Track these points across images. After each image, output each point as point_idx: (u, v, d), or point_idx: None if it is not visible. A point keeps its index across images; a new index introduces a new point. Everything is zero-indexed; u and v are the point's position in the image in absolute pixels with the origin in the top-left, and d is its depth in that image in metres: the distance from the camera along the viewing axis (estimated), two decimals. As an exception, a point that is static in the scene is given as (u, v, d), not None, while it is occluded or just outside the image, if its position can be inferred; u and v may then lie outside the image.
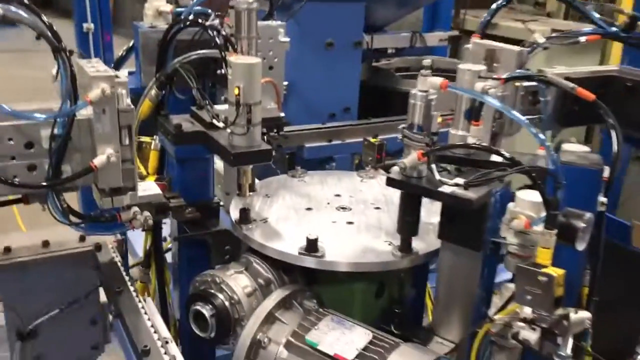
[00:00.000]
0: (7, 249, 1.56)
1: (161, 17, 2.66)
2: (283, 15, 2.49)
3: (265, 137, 1.85)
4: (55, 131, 1.40)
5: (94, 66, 1.47)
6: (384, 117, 2.87)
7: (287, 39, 2.15)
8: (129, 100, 1.45)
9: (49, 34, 1.39)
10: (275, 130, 2.08)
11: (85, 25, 3.44)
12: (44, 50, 1.47)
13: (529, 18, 6.10)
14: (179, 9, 2.59)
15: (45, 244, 1.59)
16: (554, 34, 2.12)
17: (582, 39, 2.12)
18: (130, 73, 2.83)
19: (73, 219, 1.49)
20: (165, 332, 1.44)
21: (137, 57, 2.63)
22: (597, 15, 2.16)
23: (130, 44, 2.92)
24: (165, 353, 1.36)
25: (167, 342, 1.40)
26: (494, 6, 2.18)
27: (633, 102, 2.20)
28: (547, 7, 7.37)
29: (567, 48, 2.60)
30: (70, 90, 1.40)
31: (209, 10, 2.18)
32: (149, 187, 1.63)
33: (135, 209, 1.54)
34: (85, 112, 1.44)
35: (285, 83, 2.21)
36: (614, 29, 2.12)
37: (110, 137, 1.43)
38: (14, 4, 1.38)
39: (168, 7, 2.64)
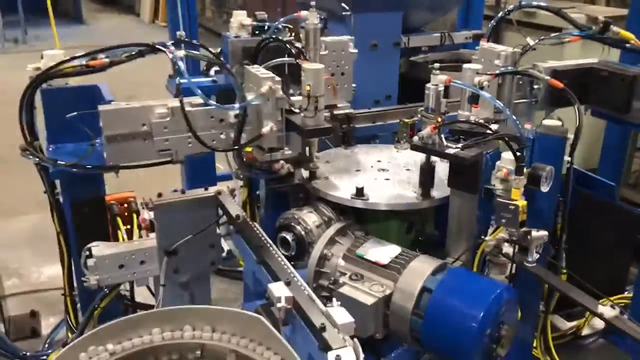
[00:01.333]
0: (159, 195, 2.39)
1: (243, 28, 3.43)
2: (338, 26, 3.22)
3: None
4: (238, 112, 2.23)
5: (258, 70, 2.30)
6: (420, 102, 3.56)
7: (355, 51, 2.88)
8: (281, 92, 2.24)
9: (217, 60, 2.26)
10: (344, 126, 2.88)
11: (178, 32, 4.27)
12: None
13: (569, 5, 6.49)
14: (257, 23, 3.37)
15: (182, 192, 2.42)
16: (543, 37, 2.77)
17: (566, 39, 2.78)
18: (217, 72, 3.63)
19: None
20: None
21: (226, 59, 3.41)
22: (579, 22, 2.81)
23: (218, 49, 3.70)
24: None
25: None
26: (498, 15, 2.85)
27: (607, 88, 2.83)
28: (593, -9, 7.63)
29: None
30: (239, 89, 2.24)
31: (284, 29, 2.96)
32: (287, 149, 2.44)
33: (282, 162, 2.37)
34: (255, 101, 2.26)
35: (354, 85, 2.96)
36: (591, 32, 2.78)
37: (271, 116, 2.25)
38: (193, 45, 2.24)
39: (248, 21, 3.40)
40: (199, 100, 2.24)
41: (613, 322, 1.85)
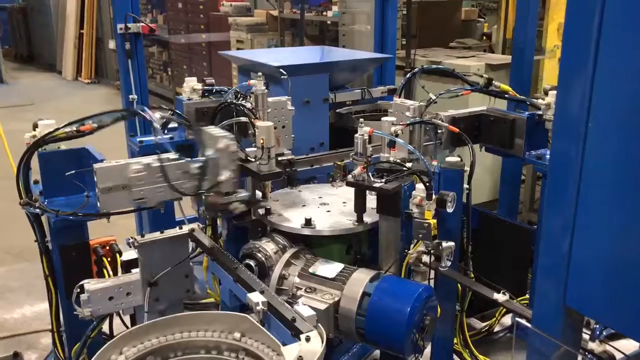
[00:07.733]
0: (142, 235, 2.87)
1: (194, 92, 3.98)
2: (277, 88, 3.84)
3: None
4: (201, 164, 2.72)
5: (214, 130, 2.81)
6: (347, 147, 4.21)
7: (293, 108, 3.49)
8: (235, 147, 2.76)
9: (186, 122, 2.74)
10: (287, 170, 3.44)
11: (130, 96, 4.76)
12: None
13: (469, 54, 7.37)
14: (206, 87, 3.94)
15: (162, 231, 2.91)
16: (442, 92, 3.49)
17: (460, 93, 3.52)
18: (171, 129, 4.14)
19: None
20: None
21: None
22: (469, 79, 3.57)
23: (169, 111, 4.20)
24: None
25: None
26: (407, 76, 3.56)
27: (494, 129, 3.59)
28: (492, 39, 8.21)
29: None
30: (201, 145, 2.74)
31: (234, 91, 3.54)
32: (241, 192, 2.94)
33: (236, 203, 2.86)
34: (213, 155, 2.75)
35: (293, 136, 3.56)
36: (478, 86, 3.54)
37: (227, 165, 2.73)
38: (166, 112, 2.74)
39: (199, 86, 3.97)
40: (170, 155, 2.72)
41: (504, 304, 2.50)
